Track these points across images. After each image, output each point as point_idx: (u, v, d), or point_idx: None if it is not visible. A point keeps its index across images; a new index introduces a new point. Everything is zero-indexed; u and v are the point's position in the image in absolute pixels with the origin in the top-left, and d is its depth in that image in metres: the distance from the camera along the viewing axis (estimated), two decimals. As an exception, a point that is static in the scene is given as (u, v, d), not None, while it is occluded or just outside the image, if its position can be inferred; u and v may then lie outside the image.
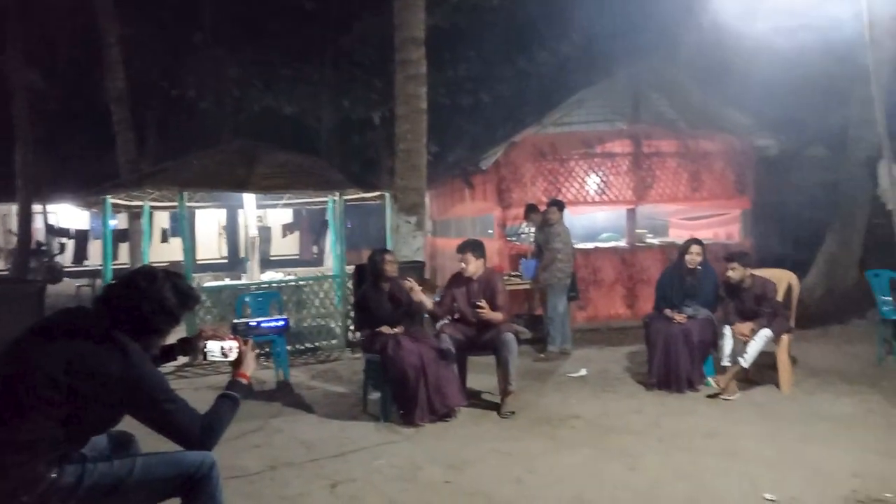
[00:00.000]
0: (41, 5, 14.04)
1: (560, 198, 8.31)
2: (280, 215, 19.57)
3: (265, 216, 18.97)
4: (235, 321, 6.30)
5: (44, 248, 17.53)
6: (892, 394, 5.31)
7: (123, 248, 13.90)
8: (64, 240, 18.28)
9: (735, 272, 5.55)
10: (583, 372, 6.25)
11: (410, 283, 5.14)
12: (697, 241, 5.80)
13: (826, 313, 8.30)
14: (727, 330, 5.50)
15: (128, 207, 9.53)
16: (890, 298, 6.34)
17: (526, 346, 7.56)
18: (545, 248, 7.21)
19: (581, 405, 5.23)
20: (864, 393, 5.36)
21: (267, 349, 6.94)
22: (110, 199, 7.95)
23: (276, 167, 7.90)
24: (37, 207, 16.71)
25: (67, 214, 18.87)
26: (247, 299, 6.98)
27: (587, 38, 12.02)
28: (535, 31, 12.58)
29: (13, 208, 17.28)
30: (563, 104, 9.21)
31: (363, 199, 8.95)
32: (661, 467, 3.90)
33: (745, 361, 5.28)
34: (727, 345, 5.44)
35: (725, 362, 5.41)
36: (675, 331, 5.47)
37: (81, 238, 17.92)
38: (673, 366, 5.45)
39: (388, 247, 8.38)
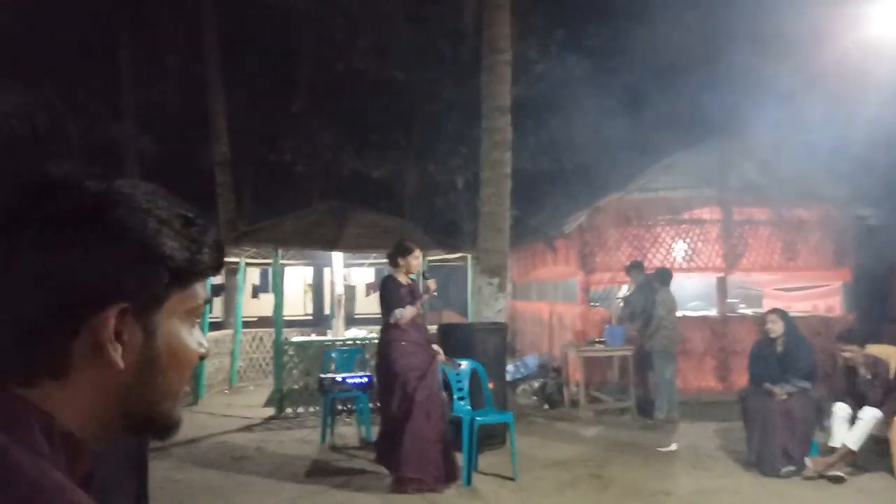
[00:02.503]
0: (154, 75, 15.43)
1: (646, 263, 8.20)
2: (363, 275, 20.08)
3: (349, 275, 19.53)
4: (322, 376, 6.46)
5: None
6: None
7: (217, 303, 14.58)
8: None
9: (854, 354, 5.25)
10: (673, 447, 5.97)
11: None
12: (776, 311, 5.64)
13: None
14: (836, 408, 5.16)
15: (225, 263, 10.07)
16: None
17: (615, 415, 7.35)
18: (652, 313, 7.23)
19: (672, 481, 4.99)
20: None
21: (350, 405, 7.04)
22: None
23: (364, 227, 8.22)
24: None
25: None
26: (333, 355, 7.14)
27: (673, 104, 12.01)
28: (617, 100, 12.69)
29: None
30: (649, 169, 9.15)
31: (445, 259, 9.11)
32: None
33: (854, 443, 4.92)
34: (835, 424, 5.10)
35: (833, 443, 5.05)
36: (774, 407, 5.18)
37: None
38: (773, 444, 5.13)
39: (469, 309, 8.45)
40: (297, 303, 20.53)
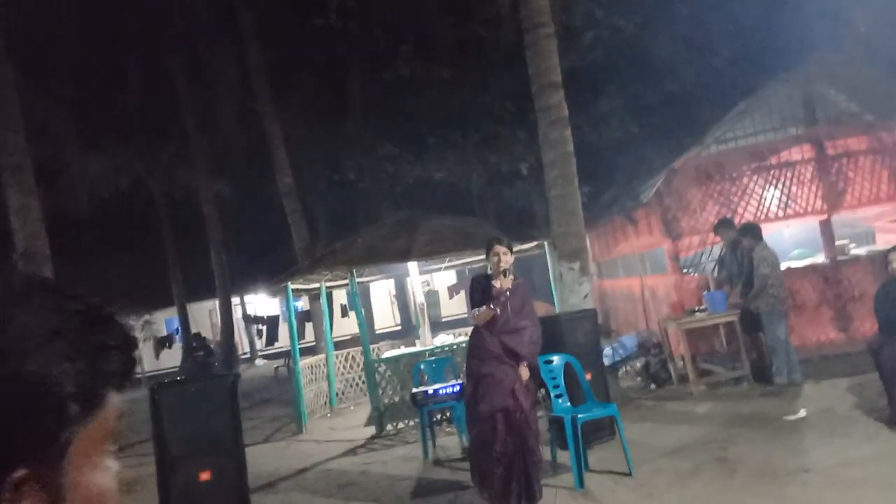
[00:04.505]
0: (217, 120, 15.96)
1: (736, 219, 7.62)
2: (445, 277, 20.06)
3: (431, 280, 19.55)
4: (414, 391, 6.31)
5: (196, 344, 15.85)
6: None
7: (309, 328, 14.88)
8: (260, 325, 20.07)
9: None
10: (802, 413, 5.43)
11: None
12: None
13: None
14: None
15: (307, 290, 10.18)
16: None
17: (730, 385, 6.83)
18: (751, 273, 6.68)
19: (808, 455, 4.50)
20: None
21: (448, 413, 6.88)
22: (290, 285, 8.53)
23: (434, 233, 8.05)
24: (235, 299, 18.53)
25: (262, 303, 20.97)
26: (422, 367, 6.99)
27: (741, 43, 11.17)
28: (678, 51, 11.94)
29: (216, 303, 19.31)
30: (725, 118, 8.50)
31: (522, 251, 8.79)
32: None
33: None
34: None
35: None
36: (914, 355, 4.59)
37: (273, 323, 19.56)
38: (919, 398, 4.55)
39: (554, 297, 8.11)
40: (385, 315, 20.83)
